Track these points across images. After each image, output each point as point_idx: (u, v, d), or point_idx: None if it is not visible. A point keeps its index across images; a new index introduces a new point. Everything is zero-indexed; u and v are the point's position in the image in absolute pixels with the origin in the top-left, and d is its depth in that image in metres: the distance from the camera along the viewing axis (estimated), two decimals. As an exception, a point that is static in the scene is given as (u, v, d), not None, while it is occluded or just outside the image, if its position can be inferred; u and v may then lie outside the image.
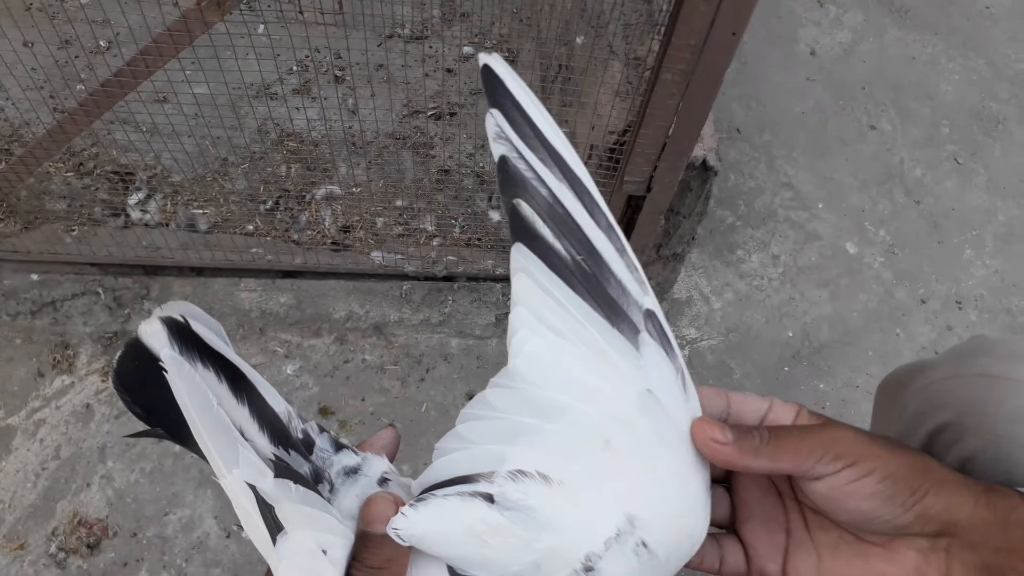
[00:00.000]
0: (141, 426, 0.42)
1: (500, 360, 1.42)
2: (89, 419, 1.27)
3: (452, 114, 1.56)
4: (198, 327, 0.40)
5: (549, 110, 0.44)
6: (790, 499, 0.50)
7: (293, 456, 0.41)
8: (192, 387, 0.38)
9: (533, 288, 0.41)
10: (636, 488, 0.39)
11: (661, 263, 1.30)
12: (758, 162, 1.62)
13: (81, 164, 1.47)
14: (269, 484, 0.38)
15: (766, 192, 1.59)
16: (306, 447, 0.42)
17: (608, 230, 0.44)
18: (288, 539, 0.38)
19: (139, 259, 1.29)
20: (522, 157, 0.42)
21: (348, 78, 1.60)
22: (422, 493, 0.39)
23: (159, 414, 0.40)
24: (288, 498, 0.39)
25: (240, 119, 1.47)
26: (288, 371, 1.32)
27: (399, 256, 1.30)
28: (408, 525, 0.38)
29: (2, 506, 1.19)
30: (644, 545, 0.39)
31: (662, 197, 1.08)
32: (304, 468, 0.41)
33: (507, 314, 1.40)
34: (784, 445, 0.44)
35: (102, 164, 1.47)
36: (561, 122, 0.45)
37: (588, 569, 0.38)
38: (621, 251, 0.43)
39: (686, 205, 1.17)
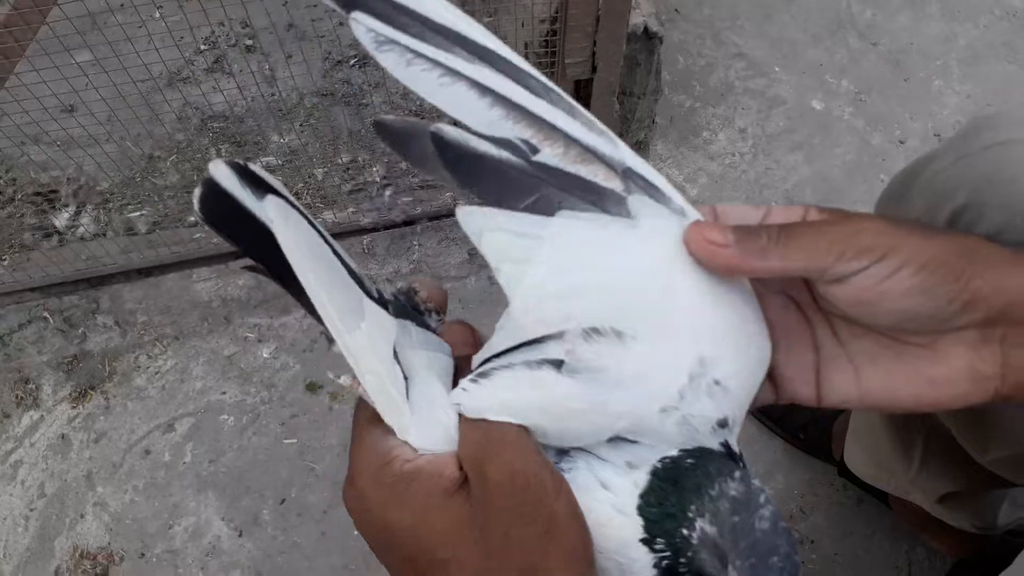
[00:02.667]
0: None
1: (482, 297, 1.35)
2: (67, 449, 1.19)
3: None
4: (261, 172, 0.37)
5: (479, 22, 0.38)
6: (813, 311, 0.43)
7: None
8: (301, 236, 0.34)
9: (504, 238, 0.36)
10: (697, 328, 0.37)
11: (625, 155, 1.22)
12: (704, 38, 1.54)
13: (0, 193, 1.37)
14: (393, 331, 0.36)
15: (718, 67, 1.51)
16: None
17: (546, 91, 0.38)
18: (418, 388, 0.36)
19: (80, 273, 1.21)
20: (421, 55, 0.36)
21: (259, 45, 1.50)
22: (484, 362, 0.36)
23: (254, 252, 0.37)
24: (409, 344, 0.36)
25: (156, 112, 1.37)
26: (264, 355, 1.24)
27: (352, 210, 1.22)
28: (470, 400, 0.35)
29: (-3, 558, 1.12)
30: (717, 383, 0.37)
31: (610, 74, 1.00)
32: None
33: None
34: (796, 242, 0.37)
35: (22, 188, 1.37)
36: (495, 32, 0.37)
37: (663, 411, 0.36)
38: (571, 111, 0.38)
39: (637, 83, 1.09)
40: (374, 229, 1.26)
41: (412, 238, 1.28)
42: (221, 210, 0.36)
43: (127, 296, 1.24)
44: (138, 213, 1.33)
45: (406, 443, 0.36)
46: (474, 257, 1.30)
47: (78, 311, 1.24)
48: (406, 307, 0.39)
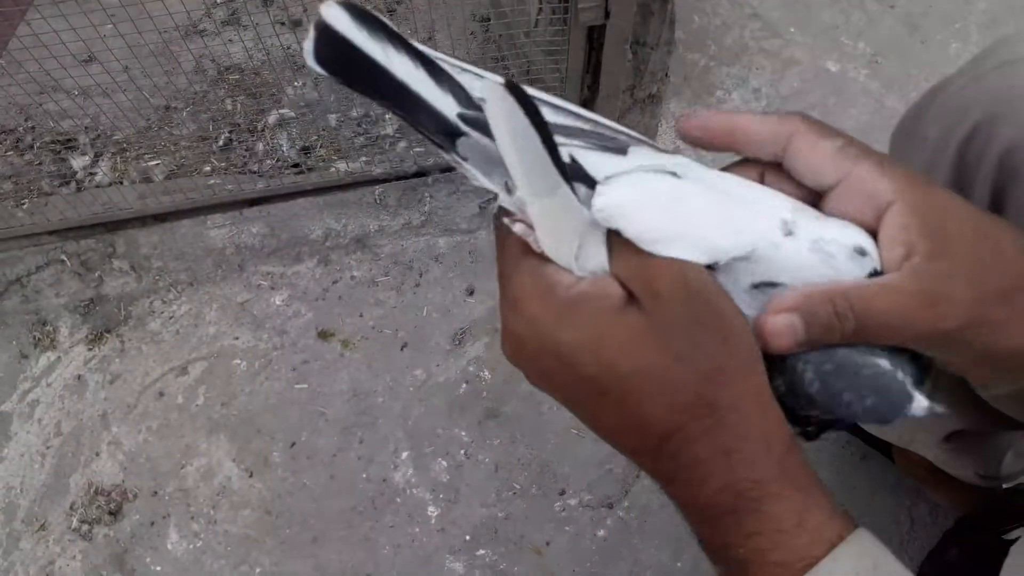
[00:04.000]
0: None
1: (493, 251, 1.36)
2: (83, 390, 1.21)
3: (392, 11, 1.47)
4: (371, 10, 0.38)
5: None
6: None
7: None
8: (513, 116, 0.34)
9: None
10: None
11: (639, 108, 1.22)
12: (719, -1, 1.54)
13: (19, 140, 1.39)
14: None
15: (734, 27, 1.51)
16: None
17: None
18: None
19: (96, 217, 1.22)
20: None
21: (277, -2, 1.51)
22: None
23: (373, 92, 0.38)
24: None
25: (170, 63, 1.38)
26: (277, 302, 1.26)
27: (364, 159, 1.23)
28: (606, 192, 0.36)
29: (14, 492, 1.15)
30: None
31: (623, 22, 1.00)
32: None
33: (490, 200, 1.33)
34: (872, 330, 0.37)
35: (40, 136, 1.39)
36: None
37: (788, 233, 0.37)
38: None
39: (651, 33, 1.09)
40: (386, 180, 1.27)
41: (424, 190, 1.29)
42: (337, 56, 0.36)
43: (142, 241, 1.26)
44: (155, 162, 1.34)
45: (562, 269, 0.36)
46: (484, 209, 1.30)
47: (95, 255, 1.26)
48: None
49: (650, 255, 0.35)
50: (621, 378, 0.35)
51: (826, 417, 0.39)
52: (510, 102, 0.33)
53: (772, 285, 0.37)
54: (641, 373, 0.35)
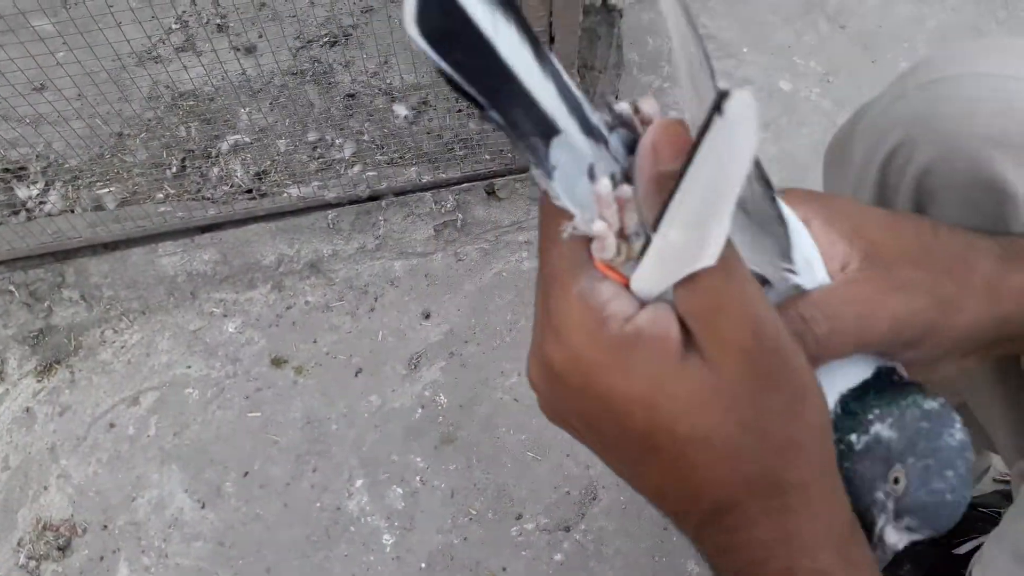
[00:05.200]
0: None
1: (449, 274, 1.36)
2: (32, 423, 1.19)
3: (347, 36, 1.47)
4: None
5: None
6: None
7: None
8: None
9: None
10: None
11: (588, 131, 1.23)
12: (673, 20, 1.55)
13: (-31, 170, 1.37)
14: None
15: (688, 48, 1.52)
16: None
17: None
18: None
19: (45, 247, 1.21)
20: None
21: (230, 24, 1.50)
22: None
23: (469, 73, 0.31)
24: None
25: (124, 90, 1.38)
26: (230, 329, 1.24)
27: (316, 184, 1.23)
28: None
29: (-41, 529, 1.12)
30: None
31: (568, 46, 1.01)
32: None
33: (445, 224, 1.32)
34: (844, 313, 0.37)
35: (-9, 165, 1.37)
36: None
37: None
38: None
39: (598, 57, 1.10)
40: (339, 204, 1.26)
41: (377, 213, 1.28)
42: (441, 22, 0.30)
43: (93, 270, 1.25)
44: (107, 190, 1.33)
45: (619, 294, 0.31)
46: (440, 233, 1.30)
47: (44, 285, 1.24)
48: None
49: (722, 291, 0.29)
50: (677, 440, 0.30)
51: (922, 534, 0.36)
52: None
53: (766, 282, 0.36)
54: (701, 439, 0.30)
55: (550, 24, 0.98)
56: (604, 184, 0.31)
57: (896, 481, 0.35)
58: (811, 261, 0.37)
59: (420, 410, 1.18)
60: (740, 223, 0.33)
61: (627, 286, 0.31)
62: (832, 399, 0.36)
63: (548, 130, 0.32)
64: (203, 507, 1.13)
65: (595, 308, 0.30)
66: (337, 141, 1.32)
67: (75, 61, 1.20)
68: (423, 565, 1.09)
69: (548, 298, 0.32)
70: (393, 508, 1.12)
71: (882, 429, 0.35)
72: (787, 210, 0.37)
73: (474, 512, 1.11)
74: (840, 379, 0.37)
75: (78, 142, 1.34)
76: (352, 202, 1.26)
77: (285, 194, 1.26)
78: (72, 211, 1.30)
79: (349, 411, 1.19)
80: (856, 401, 0.36)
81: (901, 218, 0.40)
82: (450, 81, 0.31)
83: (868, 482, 0.35)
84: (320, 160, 1.33)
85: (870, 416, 0.35)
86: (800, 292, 0.36)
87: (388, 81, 1.42)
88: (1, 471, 1.16)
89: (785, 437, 0.30)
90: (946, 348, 0.38)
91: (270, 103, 1.42)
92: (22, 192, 1.24)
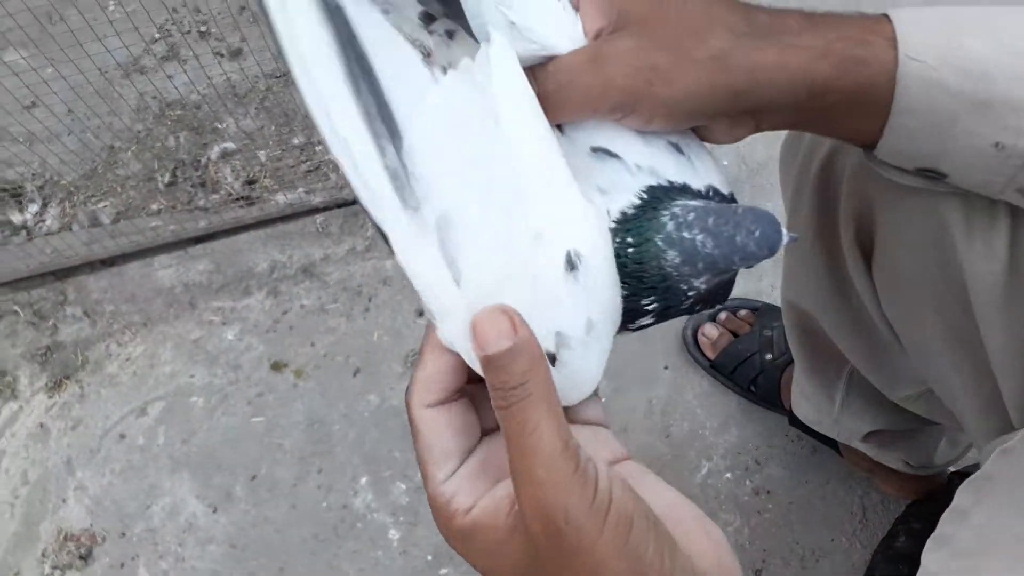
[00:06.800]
0: None
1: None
2: (46, 438, 1.24)
3: (327, 35, 1.47)
4: None
5: None
6: None
7: None
8: None
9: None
10: None
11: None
12: None
13: (-34, 192, 1.40)
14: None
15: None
16: None
17: None
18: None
19: (45, 267, 1.24)
20: None
21: (213, 31, 1.51)
22: None
23: None
24: None
25: (112, 103, 1.39)
26: (229, 337, 1.27)
27: (302, 190, 1.24)
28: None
29: (-15, 543, 1.18)
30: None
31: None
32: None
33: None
34: (548, 81, 0.41)
35: (-12, 187, 1.40)
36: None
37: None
38: None
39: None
40: (326, 208, 1.28)
41: (365, 215, 1.30)
42: None
43: (92, 286, 1.28)
44: (101, 204, 1.36)
45: (460, 490, 0.37)
46: (429, 230, 1.31)
47: (47, 303, 1.27)
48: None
49: (518, 477, 0.33)
50: None
51: (720, 278, 0.39)
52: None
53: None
54: None
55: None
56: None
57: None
58: (562, 29, 0.41)
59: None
60: None
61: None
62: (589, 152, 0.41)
63: None
64: (215, 511, 1.18)
65: (442, 507, 0.37)
66: (324, 145, 1.34)
67: (60, 77, 1.22)
68: (429, 558, 1.13)
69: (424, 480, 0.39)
70: (398, 504, 1.16)
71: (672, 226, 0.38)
72: None
73: (475, 503, 1.14)
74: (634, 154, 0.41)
75: (71, 158, 1.37)
76: (339, 205, 1.28)
77: (272, 201, 1.27)
78: (70, 228, 1.33)
79: (349, 411, 1.22)
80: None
81: None
82: None
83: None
84: (308, 163, 1.34)
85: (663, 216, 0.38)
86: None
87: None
88: (21, 485, 1.21)
89: None
90: (661, 114, 0.41)
91: (255, 107, 1.43)
92: (17, 217, 1.27)
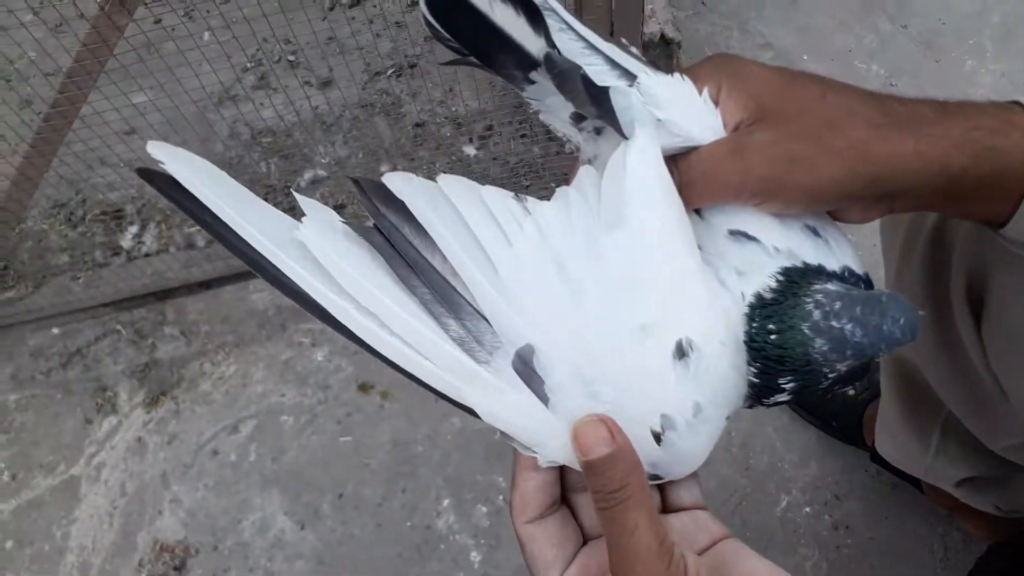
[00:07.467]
0: None
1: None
2: (144, 451, 1.29)
3: (412, 66, 1.53)
4: None
5: None
6: None
7: None
8: None
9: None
10: None
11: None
12: (731, 30, 1.56)
13: (72, 214, 1.48)
14: None
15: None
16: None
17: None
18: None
19: (146, 287, 1.30)
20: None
21: (302, 60, 1.57)
22: None
23: (466, 40, 0.45)
24: None
25: (206, 130, 1.46)
26: (319, 358, 1.32)
27: (393, 219, 1.29)
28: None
29: (87, 551, 1.23)
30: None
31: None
32: None
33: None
34: (689, 171, 0.43)
35: (90, 209, 1.47)
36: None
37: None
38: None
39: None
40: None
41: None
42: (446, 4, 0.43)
43: (190, 308, 1.34)
44: (196, 228, 1.42)
45: None
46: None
47: (147, 323, 1.34)
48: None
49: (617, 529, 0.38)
50: None
51: (858, 363, 0.40)
52: None
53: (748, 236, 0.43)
54: None
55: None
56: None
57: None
58: (704, 122, 0.43)
59: (499, 432, 1.24)
60: None
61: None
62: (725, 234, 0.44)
63: (530, 63, 0.44)
64: (302, 528, 1.22)
65: None
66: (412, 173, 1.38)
67: (158, 109, 1.28)
68: (510, 580, 1.16)
69: None
70: (479, 526, 1.19)
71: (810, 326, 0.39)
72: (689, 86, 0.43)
73: (556, 529, 1.17)
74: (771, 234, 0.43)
75: (168, 183, 1.43)
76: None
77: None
78: (167, 250, 1.39)
79: (433, 433, 1.25)
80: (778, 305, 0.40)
81: (795, 81, 0.43)
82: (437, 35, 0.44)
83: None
84: (393, 191, 1.39)
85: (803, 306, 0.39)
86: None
87: (454, 108, 1.47)
88: (120, 497, 1.27)
89: None
90: (801, 200, 0.43)
91: (343, 136, 1.48)
92: (120, 238, 1.33)
